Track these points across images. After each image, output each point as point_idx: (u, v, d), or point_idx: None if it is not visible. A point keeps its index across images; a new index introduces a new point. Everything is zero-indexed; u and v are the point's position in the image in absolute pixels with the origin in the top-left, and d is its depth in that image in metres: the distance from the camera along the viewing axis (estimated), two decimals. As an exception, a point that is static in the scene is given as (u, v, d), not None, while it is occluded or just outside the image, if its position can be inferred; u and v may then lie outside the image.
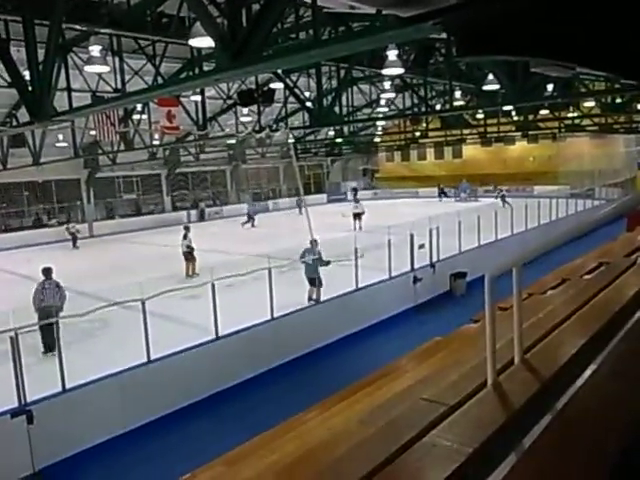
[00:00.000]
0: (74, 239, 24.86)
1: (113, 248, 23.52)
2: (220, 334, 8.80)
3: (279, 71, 13.27)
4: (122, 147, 20.96)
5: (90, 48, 9.18)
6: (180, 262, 15.67)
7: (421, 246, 13.67)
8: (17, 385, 6.62)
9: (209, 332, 8.76)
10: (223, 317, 8.81)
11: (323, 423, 3.46)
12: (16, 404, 6.61)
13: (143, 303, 7.91)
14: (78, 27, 9.83)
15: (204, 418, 7.75)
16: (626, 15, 1.32)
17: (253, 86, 14.87)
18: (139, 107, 17.11)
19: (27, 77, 7.48)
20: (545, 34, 1.53)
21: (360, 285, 11.57)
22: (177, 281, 9.07)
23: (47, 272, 9.93)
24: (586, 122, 22.88)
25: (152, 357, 7.92)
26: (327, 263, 11.41)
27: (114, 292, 8.87)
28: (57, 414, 6.91)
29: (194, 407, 8.00)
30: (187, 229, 16.77)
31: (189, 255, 15.33)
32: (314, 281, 11.35)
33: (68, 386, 7.07)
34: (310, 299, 11.30)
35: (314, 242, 11.67)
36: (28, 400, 6.68)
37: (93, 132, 18.06)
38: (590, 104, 18.76)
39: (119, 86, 11.51)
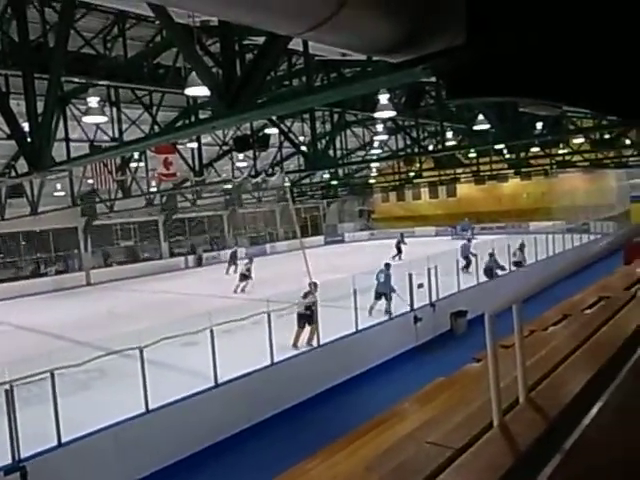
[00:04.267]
0: None
1: (111, 296, 23.37)
2: (219, 381, 8.64)
3: (274, 117, 13.55)
4: (119, 195, 21.15)
5: (88, 99, 9.40)
6: (176, 309, 15.56)
7: (420, 285, 13.64)
8: (11, 440, 6.45)
9: (208, 379, 8.61)
10: (222, 363, 8.68)
11: (327, 471, 3.37)
12: (9, 460, 6.42)
13: (141, 351, 7.80)
14: (77, 80, 10.08)
15: (202, 471, 7.52)
16: (607, 56, 1.37)
17: (248, 132, 15.15)
18: (136, 155, 17.35)
19: (26, 129, 7.62)
20: (531, 76, 1.58)
21: (360, 327, 11.46)
22: (175, 328, 8.95)
23: None
24: (577, 158, 23.26)
25: (150, 407, 7.75)
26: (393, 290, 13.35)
27: (111, 341, 8.75)
28: (52, 470, 6.70)
29: (192, 459, 7.77)
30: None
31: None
32: (383, 296, 13.34)
33: (63, 440, 6.88)
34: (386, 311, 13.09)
35: (388, 265, 14.13)
36: (22, 456, 6.48)
37: (91, 181, 18.30)
38: (580, 140, 19.14)
39: (116, 135, 11.72)
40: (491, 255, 18.62)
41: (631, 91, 1.38)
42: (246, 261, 21.30)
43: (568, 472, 2.01)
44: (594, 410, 2.46)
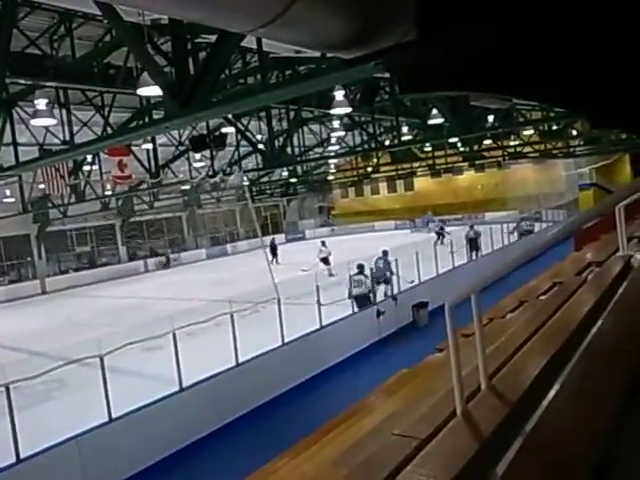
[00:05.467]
0: None
1: (67, 303, 22.67)
2: (184, 385, 8.52)
3: (230, 116, 13.42)
4: (73, 199, 20.54)
5: (36, 102, 9.06)
6: (137, 314, 15.24)
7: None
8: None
9: (173, 384, 8.48)
10: (187, 367, 8.56)
11: (295, 470, 3.37)
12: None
13: (101, 359, 7.60)
14: (22, 81, 9.71)
15: (171, 476, 7.41)
16: (554, 51, 1.41)
17: (204, 131, 14.94)
18: (89, 158, 16.87)
19: (-31, 134, 7.31)
20: (482, 70, 1.61)
21: (324, 323, 11.49)
22: (136, 334, 8.77)
23: None
24: (527, 149, 23.99)
25: (113, 415, 7.57)
26: (392, 273, 13.90)
27: (70, 350, 8.51)
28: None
29: (160, 464, 7.64)
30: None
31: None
32: (383, 281, 13.82)
33: (22, 455, 6.64)
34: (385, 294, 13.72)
35: (385, 252, 14.41)
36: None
37: (42, 186, 17.69)
38: (529, 132, 19.73)
39: (67, 138, 11.35)
40: (471, 227, 20.79)
41: (580, 83, 1.43)
42: (320, 244, 22.76)
43: (529, 454, 2.07)
44: (551, 393, 2.55)
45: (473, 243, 19.93)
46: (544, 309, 4.34)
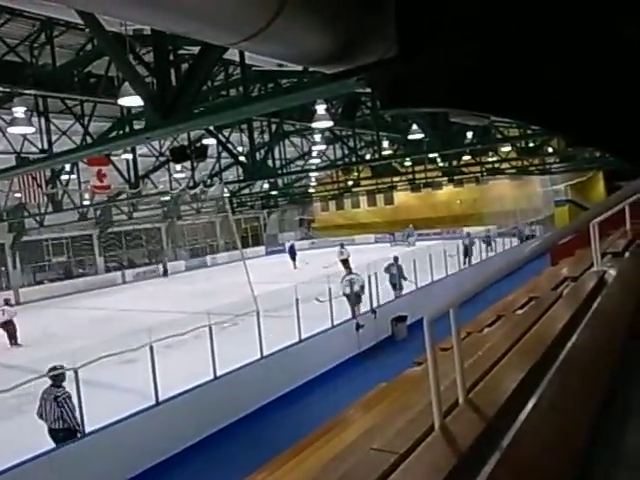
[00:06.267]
0: None
1: (42, 315, 22.22)
2: (161, 399, 8.38)
3: (211, 127, 13.40)
4: (50, 209, 20.21)
5: (14, 109, 8.95)
6: (117, 326, 14.99)
7: (362, 289, 13.84)
8: None
9: (149, 397, 8.33)
10: (164, 380, 8.42)
11: (273, 484, 3.33)
12: None
13: (76, 372, 7.44)
14: (1, 88, 9.58)
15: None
16: (532, 72, 1.44)
17: (185, 142, 14.88)
18: (67, 167, 16.66)
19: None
20: (459, 88, 1.63)
21: (303, 336, 11.44)
22: (113, 346, 8.62)
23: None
24: (505, 166, 24.39)
25: (87, 430, 7.40)
26: (405, 278, 15.58)
27: (44, 362, 8.31)
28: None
29: (135, 480, 7.49)
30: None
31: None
32: (396, 286, 15.39)
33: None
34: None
35: (397, 258, 15.77)
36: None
37: (18, 194, 17.38)
38: (507, 149, 20.10)
39: (46, 147, 11.20)
40: (468, 234, 22.67)
41: (556, 103, 1.47)
42: (339, 248, 24.48)
43: (507, 468, 2.08)
44: (528, 407, 2.57)
45: (467, 249, 21.35)
46: (521, 323, 4.38)
